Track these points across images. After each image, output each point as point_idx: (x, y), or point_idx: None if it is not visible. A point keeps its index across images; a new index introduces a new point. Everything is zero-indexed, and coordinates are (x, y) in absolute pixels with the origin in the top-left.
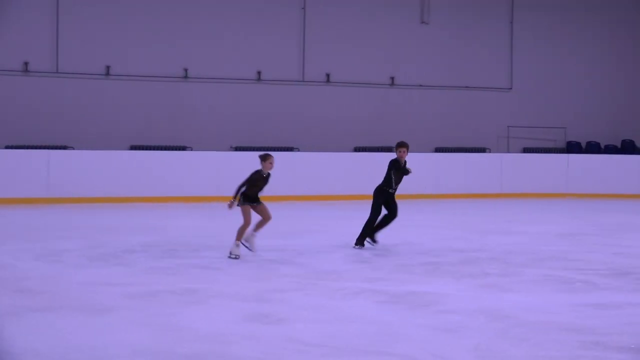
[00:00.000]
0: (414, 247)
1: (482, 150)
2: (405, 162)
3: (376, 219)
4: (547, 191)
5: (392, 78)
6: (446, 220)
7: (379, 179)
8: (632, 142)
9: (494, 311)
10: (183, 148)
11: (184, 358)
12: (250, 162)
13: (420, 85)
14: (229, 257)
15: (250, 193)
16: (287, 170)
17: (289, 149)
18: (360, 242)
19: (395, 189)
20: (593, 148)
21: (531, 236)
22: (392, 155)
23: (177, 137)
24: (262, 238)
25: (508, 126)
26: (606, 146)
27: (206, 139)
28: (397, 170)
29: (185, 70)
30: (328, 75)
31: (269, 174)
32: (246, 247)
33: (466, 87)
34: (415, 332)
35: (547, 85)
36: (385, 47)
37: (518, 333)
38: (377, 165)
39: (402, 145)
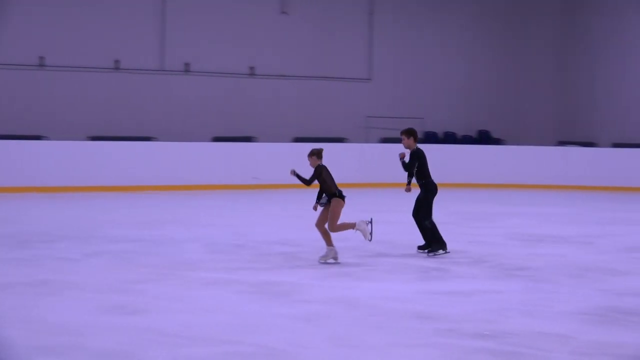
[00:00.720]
0: (273, 236)
1: (341, 140)
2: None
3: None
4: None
5: (252, 68)
6: (305, 210)
7: (238, 168)
8: (487, 133)
9: (351, 300)
10: (39, 137)
11: (37, 350)
12: (107, 152)
13: (280, 75)
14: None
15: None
16: (145, 160)
17: (148, 139)
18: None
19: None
20: (450, 138)
21: (388, 225)
22: (252, 145)
23: (33, 126)
24: (119, 228)
25: (367, 116)
26: (463, 136)
27: (62, 128)
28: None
29: (42, 58)
30: (187, 65)
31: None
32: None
33: (326, 77)
34: (273, 321)
35: (406, 76)
36: (245, 36)
37: (375, 321)
38: (236, 155)
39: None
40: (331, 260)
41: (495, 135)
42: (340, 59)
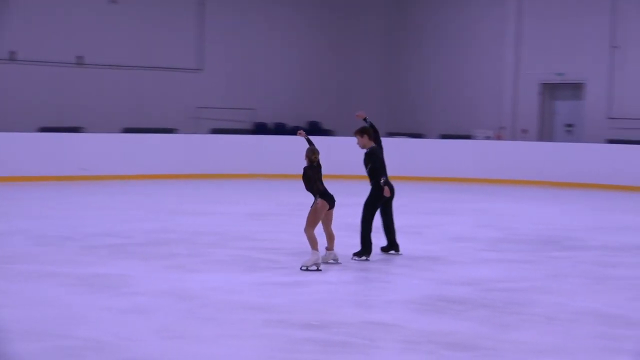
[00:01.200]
0: (102, 228)
1: (170, 131)
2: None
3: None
4: (237, 172)
5: (81, 57)
6: (135, 202)
7: (66, 159)
8: (318, 124)
9: (181, 291)
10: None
11: None
12: None
13: (110, 65)
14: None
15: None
16: None
17: None
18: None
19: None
20: (280, 129)
21: (220, 217)
22: (80, 136)
23: None
24: None
25: (197, 107)
26: (293, 127)
27: None
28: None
29: None
30: (12, 53)
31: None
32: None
33: (156, 67)
34: (100, 314)
35: (238, 67)
36: (73, 25)
37: (205, 313)
38: (64, 146)
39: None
40: (332, 261)
41: (326, 126)
42: (171, 49)
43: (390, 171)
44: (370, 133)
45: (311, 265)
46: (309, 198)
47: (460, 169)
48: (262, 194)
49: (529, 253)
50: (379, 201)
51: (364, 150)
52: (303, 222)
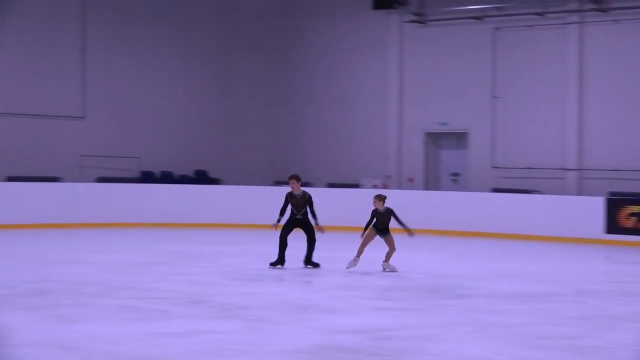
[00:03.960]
0: None
1: (54, 179)
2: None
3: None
4: (122, 221)
5: None
6: (18, 251)
7: None
8: (205, 172)
9: (67, 342)
10: None
11: None
12: None
13: None
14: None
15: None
16: None
17: None
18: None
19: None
20: (167, 178)
21: (104, 266)
22: None
23: None
24: None
25: (81, 155)
26: (180, 176)
27: None
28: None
29: None
30: None
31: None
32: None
33: (38, 114)
34: None
35: (121, 115)
36: None
37: None
38: None
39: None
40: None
41: (213, 175)
42: (53, 96)
43: (274, 218)
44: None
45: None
46: (197, 247)
47: (347, 218)
48: (148, 243)
49: (418, 301)
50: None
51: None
52: (193, 272)
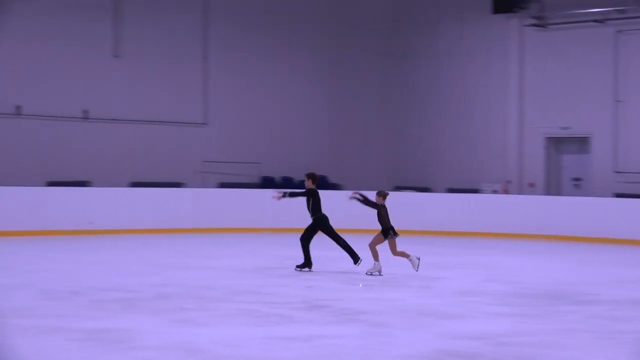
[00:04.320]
0: (108, 282)
1: (178, 185)
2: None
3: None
4: (244, 226)
5: (86, 111)
6: (142, 256)
7: (73, 214)
8: (325, 178)
9: (189, 346)
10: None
11: None
12: None
13: (114, 119)
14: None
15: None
16: None
17: None
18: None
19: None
20: (287, 183)
21: (226, 271)
22: (88, 190)
23: None
24: None
25: (204, 161)
26: (300, 181)
27: None
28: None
29: None
30: (18, 107)
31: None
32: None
33: (161, 121)
34: None
35: (242, 121)
36: (77, 79)
37: None
38: (70, 200)
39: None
40: (376, 273)
41: (332, 180)
42: (175, 102)
43: (397, 224)
44: (315, 179)
45: (374, 272)
46: (318, 252)
47: (467, 223)
48: (269, 248)
49: (538, 307)
50: (319, 228)
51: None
52: (314, 277)
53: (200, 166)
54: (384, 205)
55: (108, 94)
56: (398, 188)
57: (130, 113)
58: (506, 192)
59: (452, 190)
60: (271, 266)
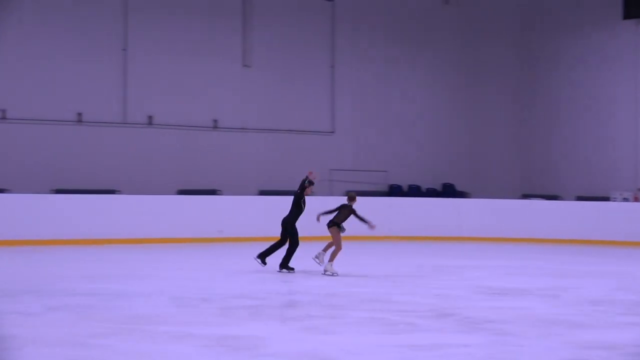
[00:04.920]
0: (237, 290)
1: None
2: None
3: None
4: (370, 234)
5: (215, 121)
6: (270, 263)
7: (202, 221)
8: (452, 186)
9: (318, 354)
10: (1, 190)
11: None
12: (70, 205)
13: (243, 128)
14: (325, 274)
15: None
16: (107, 213)
17: (111, 192)
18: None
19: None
20: (414, 191)
21: (354, 278)
22: (217, 198)
23: None
24: (81, 282)
25: (330, 169)
26: (427, 189)
27: (25, 181)
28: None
29: (4, 111)
30: (150, 117)
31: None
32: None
33: (289, 130)
34: None
35: (369, 129)
36: (207, 89)
37: None
38: (200, 208)
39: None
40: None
41: (459, 188)
42: (303, 111)
43: (525, 232)
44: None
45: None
46: (444, 260)
47: (597, 231)
48: (396, 256)
49: None
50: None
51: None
52: (440, 285)
53: (327, 174)
54: (349, 206)
55: (237, 104)
56: (526, 196)
57: (258, 122)
58: (637, 199)
59: (581, 198)
60: (399, 274)
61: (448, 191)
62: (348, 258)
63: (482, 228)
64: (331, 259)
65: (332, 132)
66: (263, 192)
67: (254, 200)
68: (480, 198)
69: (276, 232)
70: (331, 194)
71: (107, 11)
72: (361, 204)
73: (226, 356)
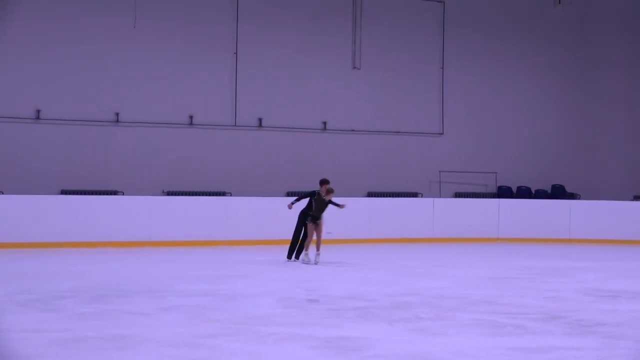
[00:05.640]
0: (346, 291)
1: (414, 195)
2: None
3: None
4: (479, 235)
5: (324, 123)
6: (377, 265)
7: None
8: (562, 187)
9: (426, 355)
10: (115, 192)
11: None
12: (181, 207)
13: (352, 130)
14: (303, 262)
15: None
16: (219, 215)
17: (222, 194)
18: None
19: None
20: (524, 193)
21: (462, 280)
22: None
23: (109, 182)
24: (192, 283)
25: (440, 171)
26: (536, 191)
27: (137, 184)
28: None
29: (117, 114)
30: (260, 120)
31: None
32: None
33: (398, 131)
34: None
35: (478, 131)
36: (317, 91)
37: None
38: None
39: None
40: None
41: (569, 189)
42: (412, 113)
43: (637, 235)
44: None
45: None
46: (554, 262)
47: None
48: (505, 258)
49: None
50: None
51: None
52: (550, 288)
53: (437, 176)
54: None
55: (346, 105)
56: (637, 197)
57: (367, 124)
58: None
59: None
60: (508, 276)
61: (558, 192)
62: (456, 259)
63: (592, 230)
64: (306, 248)
65: (441, 133)
66: (371, 194)
67: (362, 202)
68: (591, 200)
69: (382, 233)
70: (440, 195)
71: (219, 15)
72: (469, 206)
73: (333, 357)
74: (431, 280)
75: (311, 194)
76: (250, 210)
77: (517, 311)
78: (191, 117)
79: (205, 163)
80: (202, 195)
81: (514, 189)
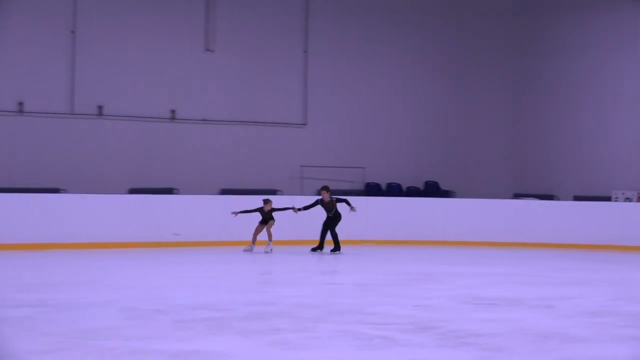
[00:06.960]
0: (197, 300)
1: (273, 192)
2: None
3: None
4: (343, 237)
5: (173, 111)
6: (233, 271)
7: (157, 224)
8: (436, 184)
9: None
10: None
11: None
12: (10, 206)
13: (204, 120)
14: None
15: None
16: (49, 214)
17: (54, 190)
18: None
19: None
20: (394, 190)
21: (325, 287)
22: (173, 198)
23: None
24: (21, 291)
25: (301, 166)
26: (408, 188)
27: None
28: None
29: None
30: (100, 108)
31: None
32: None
33: (255, 122)
34: None
35: (345, 121)
36: (164, 77)
37: None
38: (155, 209)
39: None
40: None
41: (444, 187)
42: (272, 101)
43: (516, 236)
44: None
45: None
46: (426, 267)
47: (597, 234)
48: (373, 263)
49: None
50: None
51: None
52: (421, 295)
53: (298, 171)
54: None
55: (198, 92)
56: (517, 196)
57: (221, 113)
58: None
59: (579, 198)
60: (376, 282)
61: (431, 190)
62: (322, 265)
63: (469, 231)
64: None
65: (304, 124)
66: (225, 191)
67: (215, 200)
68: (467, 198)
69: (238, 235)
70: (302, 192)
71: None
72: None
73: None
74: (291, 288)
75: (316, 203)
76: (88, 209)
77: (386, 321)
78: (21, 104)
79: (37, 155)
80: (34, 192)
81: (384, 186)
